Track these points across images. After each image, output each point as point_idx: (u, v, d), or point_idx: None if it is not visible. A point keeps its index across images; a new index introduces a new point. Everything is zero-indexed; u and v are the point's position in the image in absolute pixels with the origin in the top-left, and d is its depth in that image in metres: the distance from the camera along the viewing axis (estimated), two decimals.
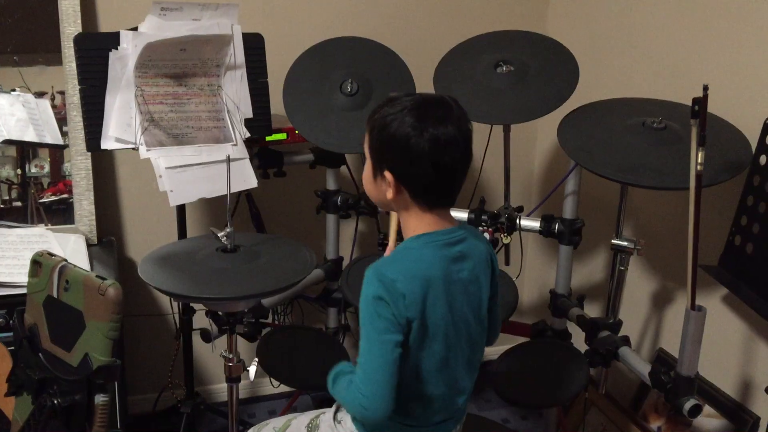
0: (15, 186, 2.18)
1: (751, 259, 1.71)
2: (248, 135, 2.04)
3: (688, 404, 1.65)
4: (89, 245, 2.16)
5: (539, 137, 2.78)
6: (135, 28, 1.89)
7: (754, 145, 1.75)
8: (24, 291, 1.43)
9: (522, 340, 2.20)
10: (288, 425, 1.54)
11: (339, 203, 2.30)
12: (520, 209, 2.11)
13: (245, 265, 1.67)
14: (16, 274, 1.84)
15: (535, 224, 2.08)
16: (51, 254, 1.34)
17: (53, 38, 2.11)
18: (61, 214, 2.22)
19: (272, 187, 2.41)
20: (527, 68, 2.03)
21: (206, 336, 1.98)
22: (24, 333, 1.35)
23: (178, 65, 1.94)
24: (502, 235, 2.04)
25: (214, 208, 2.43)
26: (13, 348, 1.43)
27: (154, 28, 1.89)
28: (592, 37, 2.44)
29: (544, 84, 2.00)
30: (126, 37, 1.87)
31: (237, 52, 2.01)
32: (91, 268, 2.01)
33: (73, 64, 1.90)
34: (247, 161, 2.03)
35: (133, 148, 1.90)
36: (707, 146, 1.50)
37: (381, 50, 2.18)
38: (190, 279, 1.62)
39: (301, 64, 2.13)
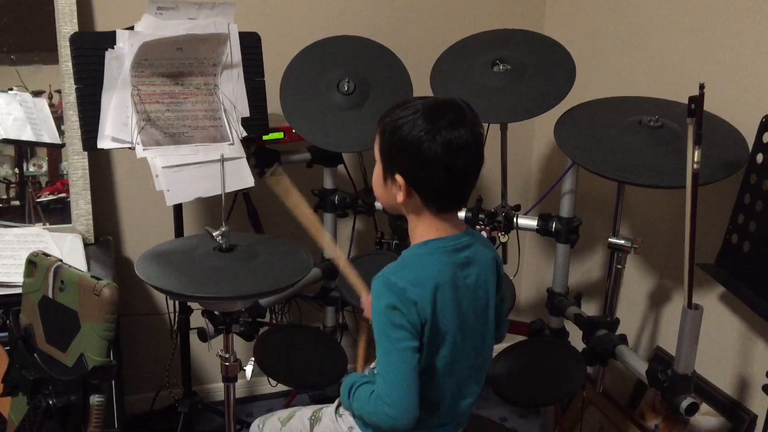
0: (13, 185, 2.18)
1: (748, 258, 1.71)
2: (245, 134, 2.04)
3: (685, 402, 1.66)
4: (86, 244, 2.16)
5: (536, 136, 2.78)
6: (131, 27, 1.89)
7: (750, 143, 1.75)
8: (20, 291, 1.43)
9: (519, 338, 2.20)
10: (292, 416, 1.58)
11: (336, 202, 2.30)
12: (517, 208, 2.11)
13: (242, 265, 1.67)
14: (13, 273, 1.83)
15: (532, 223, 2.08)
16: (46, 254, 1.34)
17: (50, 37, 2.11)
18: (58, 214, 2.21)
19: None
20: (524, 67, 2.02)
21: (203, 335, 1.98)
22: (19, 333, 1.35)
23: (174, 64, 1.94)
24: (499, 234, 2.04)
25: (212, 207, 2.43)
26: (8, 348, 1.42)
27: (151, 27, 1.89)
28: (589, 36, 2.44)
29: (541, 83, 2.00)
30: (122, 36, 1.87)
31: (233, 51, 2.01)
32: (88, 268, 2.01)
33: (70, 63, 1.89)
34: (244, 160, 2.03)
35: (130, 148, 1.90)
36: (704, 145, 1.50)
37: (378, 49, 2.18)
38: (187, 278, 1.61)
39: (298, 63, 2.12)
